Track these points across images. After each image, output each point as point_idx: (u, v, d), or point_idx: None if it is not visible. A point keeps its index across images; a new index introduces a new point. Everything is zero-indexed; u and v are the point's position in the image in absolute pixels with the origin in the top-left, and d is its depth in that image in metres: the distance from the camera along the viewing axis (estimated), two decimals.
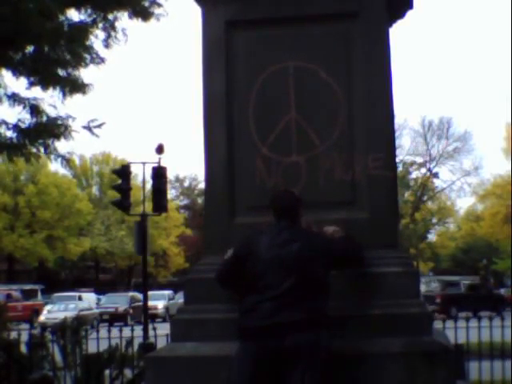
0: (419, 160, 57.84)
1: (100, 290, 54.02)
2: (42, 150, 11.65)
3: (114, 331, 9.70)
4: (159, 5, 11.50)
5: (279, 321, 4.79)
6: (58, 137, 11.52)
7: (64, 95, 11.47)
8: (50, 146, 11.60)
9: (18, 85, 11.80)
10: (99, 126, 11.87)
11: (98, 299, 44.67)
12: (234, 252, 5.31)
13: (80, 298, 42.81)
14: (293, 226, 5.23)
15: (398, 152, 44.83)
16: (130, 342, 8.66)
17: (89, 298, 43.56)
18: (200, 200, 74.28)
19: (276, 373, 4.80)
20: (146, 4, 11.44)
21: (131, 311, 40.11)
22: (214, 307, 5.67)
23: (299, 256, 4.97)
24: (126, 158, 52.97)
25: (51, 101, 11.55)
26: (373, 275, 5.57)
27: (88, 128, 11.77)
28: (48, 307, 40.04)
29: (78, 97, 11.69)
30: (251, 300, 4.98)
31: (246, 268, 5.09)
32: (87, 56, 11.45)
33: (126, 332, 9.80)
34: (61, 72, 11.41)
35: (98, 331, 9.60)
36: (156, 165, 23.47)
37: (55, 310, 38.16)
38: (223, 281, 5.33)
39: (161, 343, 8.33)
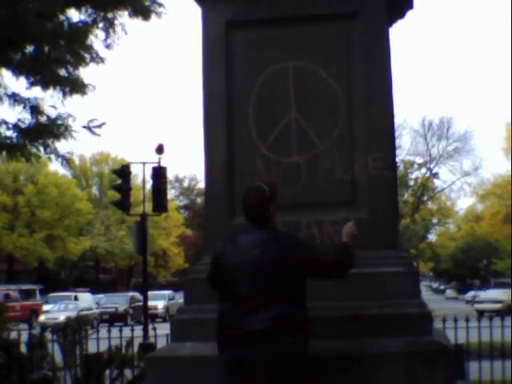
0: (419, 160, 57.81)
1: (97, 290, 53.99)
2: (42, 149, 11.64)
3: (114, 331, 9.70)
4: (160, 4, 11.49)
5: (241, 331, 4.57)
6: (57, 137, 11.52)
7: (64, 95, 11.46)
8: (50, 146, 11.60)
9: (18, 85, 11.79)
10: (99, 126, 11.86)
11: (95, 299, 44.57)
12: (213, 253, 5.10)
13: (76, 298, 42.75)
14: (261, 229, 4.83)
15: (397, 152, 44.81)
16: (130, 342, 8.65)
17: (85, 298, 43.47)
18: (199, 200, 74.29)
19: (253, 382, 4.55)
20: (147, 3, 11.43)
21: (131, 311, 40.10)
22: (213, 307, 5.66)
23: (261, 263, 4.64)
24: (125, 158, 53.04)
25: (51, 101, 11.55)
26: (373, 275, 5.57)
27: (88, 128, 11.76)
28: (47, 307, 40.01)
29: (77, 97, 11.68)
30: (219, 308, 4.85)
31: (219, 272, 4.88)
32: (87, 56, 11.44)
33: (126, 332, 9.80)
34: (61, 72, 11.40)
35: (98, 331, 9.60)
36: (156, 165, 23.46)
37: (55, 310, 38.16)
38: (209, 282, 5.07)
39: (161, 343, 8.33)
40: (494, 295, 43.55)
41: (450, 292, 78.62)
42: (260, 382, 4.51)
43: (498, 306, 39.39)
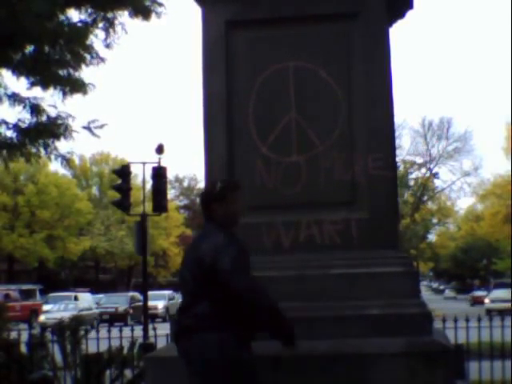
0: (419, 160, 57.77)
1: (97, 290, 53.97)
2: (42, 149, 11.64)
3: (114, 331, 9.69)
4: (160, 4, 11.49)
5: (178, 326, 4.78)
6: (58, 137, 11.51)
7: (64, 95, 11.45)
8: (50, 146, 11.59)
9: (19, 85, 11.79)
10: (100, 126, 11.85)
11: (95, 299, 44.55)
12: None
13: (76, 298, 42.72)
14: (206, 224, 4.79)
15: (397, 152, 44.78)
16: (132, 343, 8.64)
17: (85, 298, 43.45)
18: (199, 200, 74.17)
19: None
20: (147, 3, 11.43)
21: (131, 311, 40.09)
22: None
23: (190, 260, 4.72)
24: (125, 158, 53.03)
25: (51, 101, 11.54)
26: (373, 275, 5.57)
27: (88, 128, 11.76)
28: (47, 307, 40.00)
29: (78, 96, 11.68)
30: None
31: None
32: (87, 56, 11.44)
33: (126, 332, 9.80)
34: (61, 72, 11.39)
35: (98, 331, 9.59)
36: (156, 165, 23.46)
37: (55, 310, 38.14)
38: None
39: (161, 343, 8.33)
40: (502, 295, 43.58)
41: (448, 292, 78.71)
42: (192, 374, 4.65)
43: (508, 304, 39.50)
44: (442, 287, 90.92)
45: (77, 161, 62.01)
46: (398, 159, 41.50)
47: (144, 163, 25.31)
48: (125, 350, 8.51)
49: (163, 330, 11.73)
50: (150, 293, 28.53)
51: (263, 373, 4.83)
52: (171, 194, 71.43)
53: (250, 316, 4.53)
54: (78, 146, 53.10)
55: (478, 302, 50.79)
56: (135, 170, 54.45)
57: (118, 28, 11.44)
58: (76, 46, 11.18)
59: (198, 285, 4.61)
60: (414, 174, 58.00)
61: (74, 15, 11.35)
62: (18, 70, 11.25)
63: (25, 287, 44.06)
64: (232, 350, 4.50)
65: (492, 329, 10.03)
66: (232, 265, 4.44)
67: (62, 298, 42.41)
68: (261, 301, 4.53)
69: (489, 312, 29.62)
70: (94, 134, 11.81)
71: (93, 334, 9.74)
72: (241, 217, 4.86)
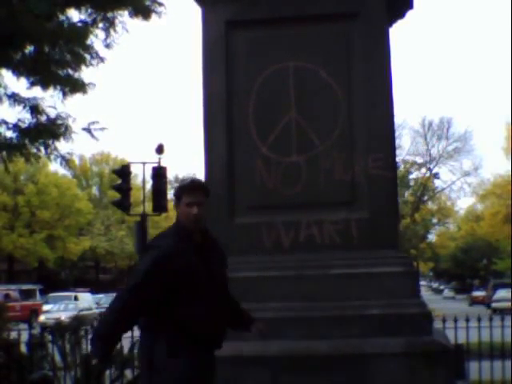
0: (419, 160, 57.77)
1: (97, 290, 53.96)
2: (42, 150, 11.62)
3: None
4: (160, 4, 11.48)
5: None
6: (58, 137, 11.50)
7: (64, 95, 11.44)
8: (50, 146, 11.58)
9: (19, 85, 11.78)
10: (100, 129, 11.84)
11: (95, 299, 44.51)
12: None
13: (76, 298, 42.70)
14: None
15: (397, 152, 44.78)
16: (132, 343, 8.63)
17: (85, 298, 43.42)
18: None
19: None
20: (147, 3, 11.42)
21: None
22: None
23: None
24: (125, 158, 53.04)
25: (51, 101, 11.53)
26: (373, 275, 5.57)
27: (88, 130, 11.75)
28: (47, 307, 39.99)
29: (78, 96, 11.67)
30: None
31: None
32: (87, 56, 11.43)
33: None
34: (61, 72, 11.39)
35: None
36: (156, 165, 23.47)
37: (55, 310, 38.14)
38: None
39: None
40: (506, 294, 43.66)
41: (447, 292, 78.72)
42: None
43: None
44: (442, 287, 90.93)
45: (77, 161, 62.04)
46: (397, 159, 41.50)
47: (144, 163, 25.34)
48: (125, 350, 8.50)
49: None
50: None
51: (263, 372, 4.83)
52: (171, 194, 71.32)
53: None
54: (78, 146, 53.18)
55: (476, 301, 50.83)
56: (135, 170, 54.56)
57: (118, 28, 11.43)
58: (76, 46, 11.16)
59: None
60: (414, 174, 58.03)
61: (74, 15, 11.34)
62: (18, 70, 11.24)
63: (25, 287, 44.03)
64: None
65: (492, 329, 10.01)
66: (132, 281, 4.34)
67: (62, 298, 42.39)
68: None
69: (494, 311, 30.89)
70: (93, 136, 11.80)
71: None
72: (203, 221, 4.41)
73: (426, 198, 60.55)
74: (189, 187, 4.50)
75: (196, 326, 4.32)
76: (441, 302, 52.11)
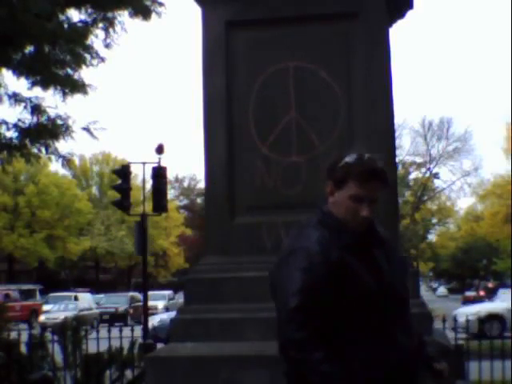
0: (419, 160, 57.81)
1: (97, 290, 53.97)
2: (42, 150, 11.63)
3: (114, 331, 9.69)
4: (160, 4, 11.48)
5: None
6: (58, 137, 11.50)
7: (64, 95, 11.45)
8: (51, 146, 11.58)
9: (19, 85, 11.78)
10: (99, 129, 11.84)
11: (95, 299, 44.53)
12: None
13: (76, 298, 42.72)
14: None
15: (397, 152, 44.81)
16: (132, 343, 8.64)
17: (85, 298, 43.45)
18: (199, 200, 74.30)
19: None
20: (147, 3, 11.42)
21: (131, 311, 40.08)
22: (213, 307, 5.67)
23: None
24: (125, 158, 53.05)
25: (52, 101, 11.53)
26: None
27: (87, 130, 11.74)
28: (47, 307, 40.00)
29: (78, 97, 11.67)
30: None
31: None
32: (87, 56, 11.43)
33: (126, 332, 9.80)
34: (61, 72, 11.39)
35: (97, 331, 9.59)
36: (156, 165, 23.47)
37: (55, 310, 38.16)
38: None
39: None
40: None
41: (441, 290, 78.95)
42: None
43: None
44: (435, 285, 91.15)
45: (77, 161, 62.02)
46: (397, 159, 41.50)
47: (144, 163, 25.33)
48: (125, 351, 8.51)
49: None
50: (149, 293, 28.53)
51: (263, 372, 4.83)
52: (171, 194, 71.38)
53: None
54: (78, 146, 53.11)
55: (468, 301, 50.87)
56: (135, 170, 54.37)
57: (118, 28, 11.43)
58: (76, 46, 11.17)
59: None
60: (414, 174, 58.09)
61: (74, 15, 11.35)
62: (18, 69, 11.24)
63: (25, 287, 44.04)
64: None
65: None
66: (295, 298, 2.98)
67: (62, 298, 42.40)
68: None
69: None
70: (93, 135, 11.80)
71: (93, 333, 9.74)
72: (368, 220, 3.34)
73: (425, 198, 60.59)
74: (365, 172, 3.11)
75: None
76: (436, 302, 52.02)
